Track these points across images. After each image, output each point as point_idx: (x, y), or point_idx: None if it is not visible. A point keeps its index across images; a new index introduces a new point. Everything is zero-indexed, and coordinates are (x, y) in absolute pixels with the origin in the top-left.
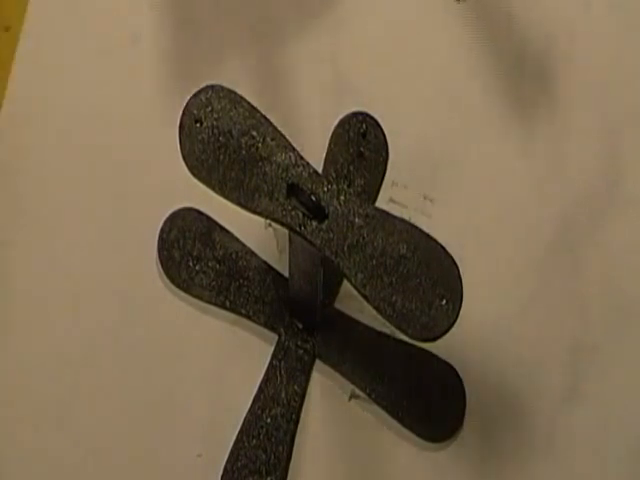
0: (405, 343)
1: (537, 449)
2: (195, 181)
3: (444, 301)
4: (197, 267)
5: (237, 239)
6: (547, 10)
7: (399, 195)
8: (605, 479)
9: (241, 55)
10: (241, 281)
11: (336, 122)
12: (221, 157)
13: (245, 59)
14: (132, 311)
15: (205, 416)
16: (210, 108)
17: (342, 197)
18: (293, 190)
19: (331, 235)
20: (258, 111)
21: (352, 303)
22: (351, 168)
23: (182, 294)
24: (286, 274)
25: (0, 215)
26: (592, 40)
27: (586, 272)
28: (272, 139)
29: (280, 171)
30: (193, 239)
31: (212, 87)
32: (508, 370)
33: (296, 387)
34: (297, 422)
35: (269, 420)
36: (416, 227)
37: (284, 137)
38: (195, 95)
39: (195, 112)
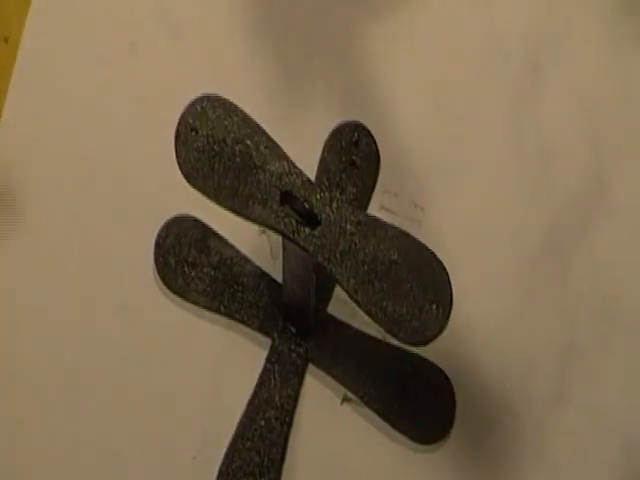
0: (396, 347)
1: (526, 451)
2: (191, 189)
3: (434, 306)
4: (193, 273)
5: (232, 245)
6: (531, 23)
7: (390, 203)
8: None
9: (236, 65)
10: (236, 287)
11: (329, 131)
12: (216, 165)
13: (240, 69)
14: (129, 316)
15: (200, 419)
16: (205, 117)
17: (334, 204)
18: (286, 197)
19: (324, 241)
20: (252, 120)
21: (344, 308)
22: (343, 176)
23: (178, 299)
24: (280, 280)
25: None
26: (579, 49)
27: (574, 278)
28: (266, 147)
29: (274, 179)
30: (189, 246)
31: (207, 96)
32: (497, 373)
33: (289, 390)
34: (290, 425)
35: (263, 423)
36: (407, 234)
37: (278, 146)
38: (191, 104)
39: (191, 121)
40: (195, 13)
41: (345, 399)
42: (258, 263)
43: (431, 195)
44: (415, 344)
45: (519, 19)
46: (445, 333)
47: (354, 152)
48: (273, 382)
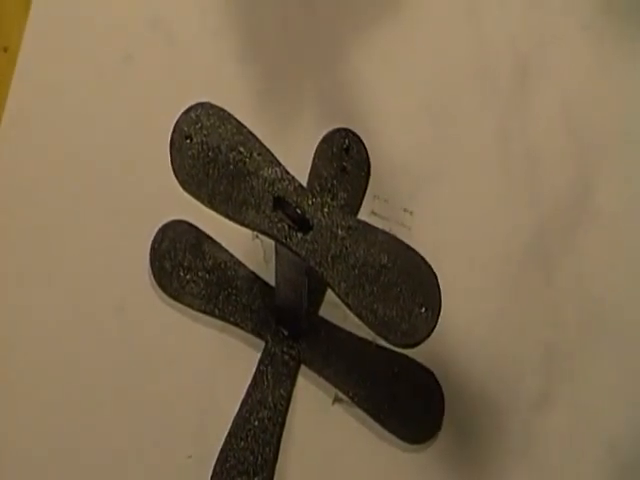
0: (386, 349)
1: (512, 450)
2: (185, 194)
3: (423, 309)
4: (187, 277)
5: (226, 250)
6: (518, 31)
7: (380, 208)
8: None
9: (230, 74)
10: (229, 290)
11: (320, 138)
12: (210, 172)
13: (233, 78)
14: (126, 319)
15: (196, 419)
16: (200, 125)
17: (326, 210)
18: (279, 203)
19: (315, 246)
20: (245, 127)
21: (335, 311)
22: (334, 182)
23: (173, 303)
24: (272, 283)
25: None
26: (566, 56)
27: (559, 280)
28: (259, 154)
29: (267, 185)
30: (184, 250)
31: (202, 105)
32: (485, 375)
33: (282, 391)
34: (283, 425)
35: (256, 423)
36: (396, 238)
37: (270, 152)
38: (185, 112)
39: (185, 129)
40: (190, 24)
41: (336, 399)
42: (251, 267)
43: (420, 200)
44: (404, 346)
45: (507, 27)
46: (434, 335)
47: (345, 158)
48: (266, 383)
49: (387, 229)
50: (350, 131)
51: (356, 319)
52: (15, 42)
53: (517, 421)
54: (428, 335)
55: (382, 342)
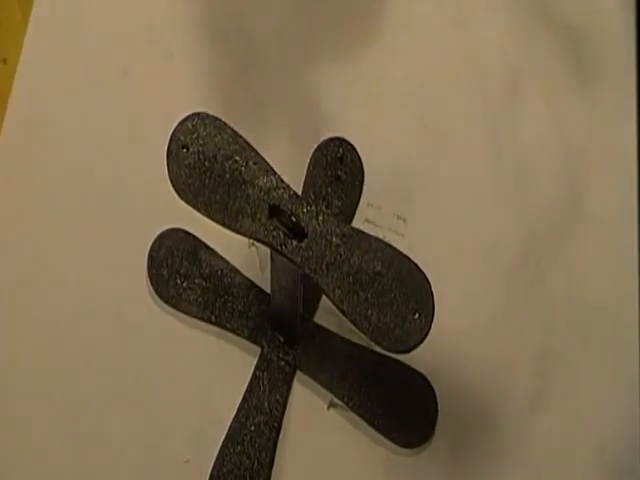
0: (380, 354)
1: (504, 453)
2: (182, 203)
3: (417, 315)
4: (184, 284)
5: (222, 257)
6: (509, 42)
7: (374, 215)
8: None
9: (226, 84)
10: (226, 297)
11: (315, 147)
12: (206, 181)
13: (229, 88)
14: (124, 326)
15: (193, 424)
16: (196, 134)
17: (320, 217)
18: (274, 211)
19: (310, 253)
20: (241, 137)
21: (330, 317)
22: (329, 190)
23: (171, 310)
24: (268, 290)
25: None
26: (555, 67)
27: (551, 285)
28: (254, 163)
29: (262, 193)
30: (181, 258)
31: (198, 115)
32: (477, 379)
33: (278, 396)
34: (279, 430)
35: (253, 428)
36: (390, 245)
37: (265, 161)
38: (182, 122)
39: (182, 138)
40: (186, 36)
41: (331, 404)
42: (247, 274)
43: (413, 208)
44: (398, 352)
45: (497, 38)
46: (427, 340)
47: (339, 167)
48: (262, 388)
49: (381, 236)
50: (344, 140)
51: (350, 325)
52: (14, 54)
53: (509, 424)
54: (421, 341)
55: (376, 348)
